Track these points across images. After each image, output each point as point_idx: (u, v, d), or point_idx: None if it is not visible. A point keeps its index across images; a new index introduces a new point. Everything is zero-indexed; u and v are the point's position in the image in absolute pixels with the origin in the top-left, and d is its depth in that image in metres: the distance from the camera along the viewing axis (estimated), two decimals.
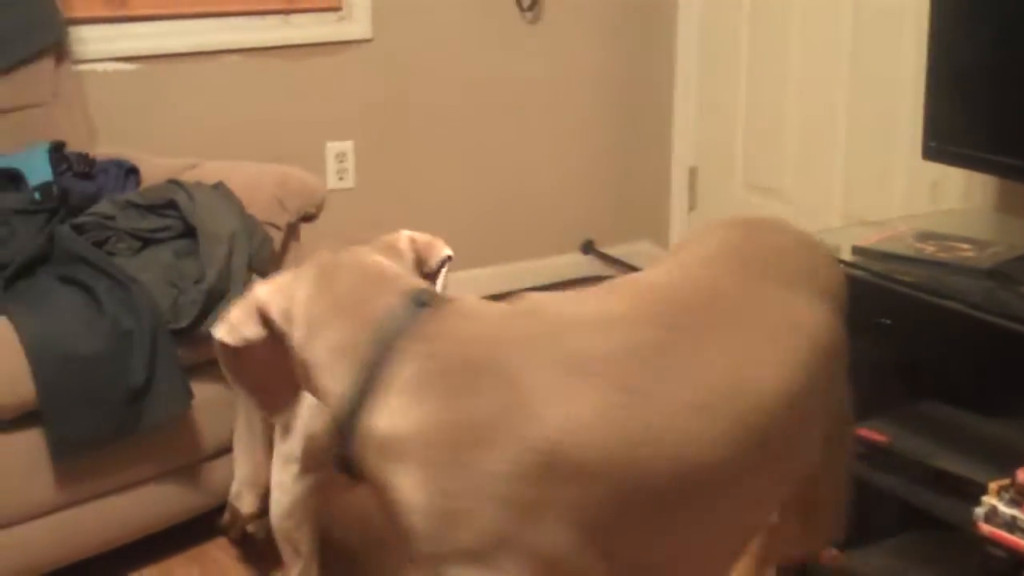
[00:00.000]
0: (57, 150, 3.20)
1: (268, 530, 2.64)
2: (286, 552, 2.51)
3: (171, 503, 2.83)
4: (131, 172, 3.22)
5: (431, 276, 2.18)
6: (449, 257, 2.22)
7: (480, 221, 4.43)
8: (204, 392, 2.77)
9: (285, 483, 2.46)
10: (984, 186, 3.13)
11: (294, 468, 2.44)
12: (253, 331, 1.80)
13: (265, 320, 1.79)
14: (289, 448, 2.43)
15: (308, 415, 2.40)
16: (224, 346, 1.84)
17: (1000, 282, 2.40)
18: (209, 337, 2.69)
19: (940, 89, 2.85)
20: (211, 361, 2.79)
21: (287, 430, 2.43)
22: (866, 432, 2.58)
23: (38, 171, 3.11)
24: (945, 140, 2.84)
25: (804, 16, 4.04)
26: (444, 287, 2.18)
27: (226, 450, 2.89)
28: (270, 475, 2.52)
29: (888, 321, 2.47)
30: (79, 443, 2.58)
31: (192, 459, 2.84)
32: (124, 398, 2.60)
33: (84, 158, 3.18)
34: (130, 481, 2.74)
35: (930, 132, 2.87)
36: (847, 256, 2.61)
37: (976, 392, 2.55)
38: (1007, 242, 2.62)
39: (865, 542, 2.80)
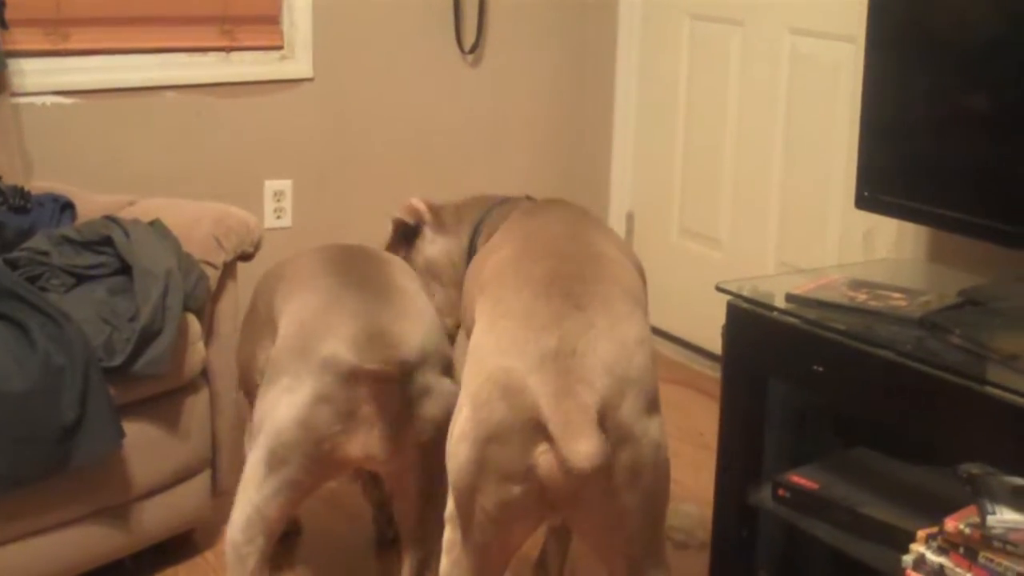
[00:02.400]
0: None
1: None
2: (234, 568, 2.47)
3: (101, 543, 2.80)
4: (67, 207, 3.19)
5: None
6: None
7: None
8: (135, 431, 2.75)
9: (251, 486, 2.43)
10: (916, 236, 3.17)
11: (260, 470, 2.41)
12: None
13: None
14: (257, 450, 2.42)
15: (272, 410, 2.40)
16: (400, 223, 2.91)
17: (930, 331, 2.43)
18: (142, 376, 2.70)
19: (873, 140, 2.89)
20: (143, 399, 2.79)
21: (256, 431, 2.44)
22: (796, 478, 2.60)
23: None
24: (878, 190, 2.88)
25: (741, 66, 4.09)
26: None
27: (157, 490, 2.87)
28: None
29: (820, 368, 2.49)
30: (7, 481, 2.54)
31: (122, 499, 2.80)
32: (54, 436, 2.57)
33: (19, 192, 3.15)
34: (58, 521, 2.70)
35: (863, 182, 2.90)
36: (781, 303, 2.64)
37: (906, 440, 2.58)
38: (938, 291, 2.65)
39: None
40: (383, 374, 2.31)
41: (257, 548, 2.44)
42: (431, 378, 2.39)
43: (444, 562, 2.08)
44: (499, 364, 1.95)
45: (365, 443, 2.36)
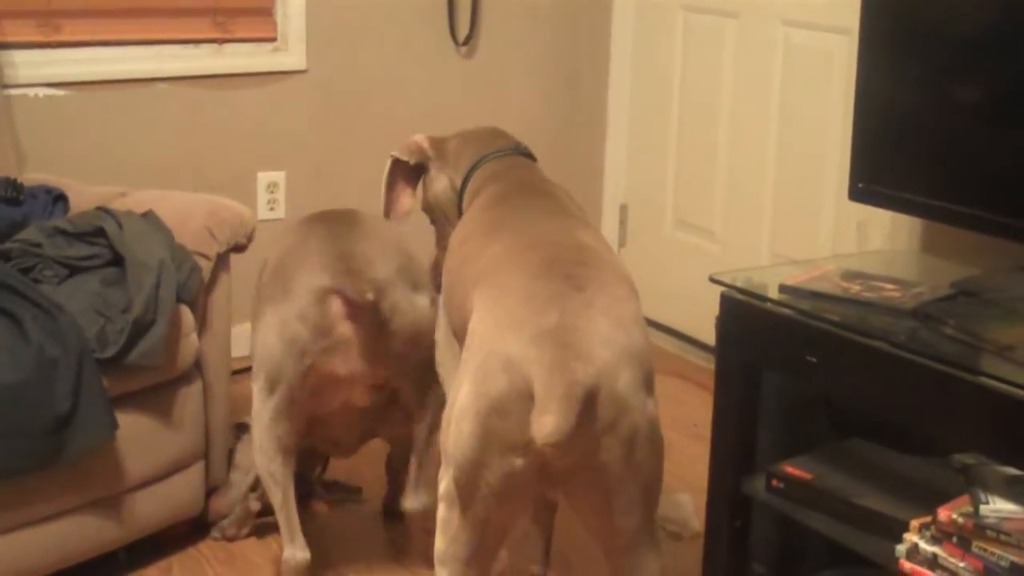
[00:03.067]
0: None
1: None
2: (268, 485, 2.76)
3: (94, 535, 2.79)
4: (59, 199, 3.19)
5: None
6: None
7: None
8: (128, 423, 2.75)
9: (258, 413, 2.71)
10: (909, 228, 3.17)
11: (261, 397, 2.69)
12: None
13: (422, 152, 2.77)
14: (256, 381, 2.70)
15: (262, 339, 2.67)
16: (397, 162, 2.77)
17: (923, 322, 2.43)
18: (135, 367, 2.70)
19: (867, 131, 2.89)
20: (137, 391, 2.79)
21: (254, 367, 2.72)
22: (790, 468, 2.61)
23: None
24: (872, 182, 2.88)
25: (735, 58, 4.09)
26: None
27: (150, 482, 2.87)
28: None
29: (814, 359, 2.49)
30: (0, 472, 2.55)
31: (115, 490, 2.80)
32: (47, 427, 2.57)
33: (12, 184, 3.14)
34: (51, 512, 2.70)
35: (857, 174, 2.90)
36: (774, 294, 2.64)
37: (899, 430, 2.58)
38: (931, 283, 2.66)
39: None
40: (354, 299, 2.57)
41: (280, 464, 2.73)
42: (400, 294, 2.67)
43: (439, 541, 2.09)
44: (500, 340, 1.98)
45: (346, 359, 2.62)
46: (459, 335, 2.32)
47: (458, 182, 2.72)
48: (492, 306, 2.07)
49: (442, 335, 2.59)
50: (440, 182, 2.77)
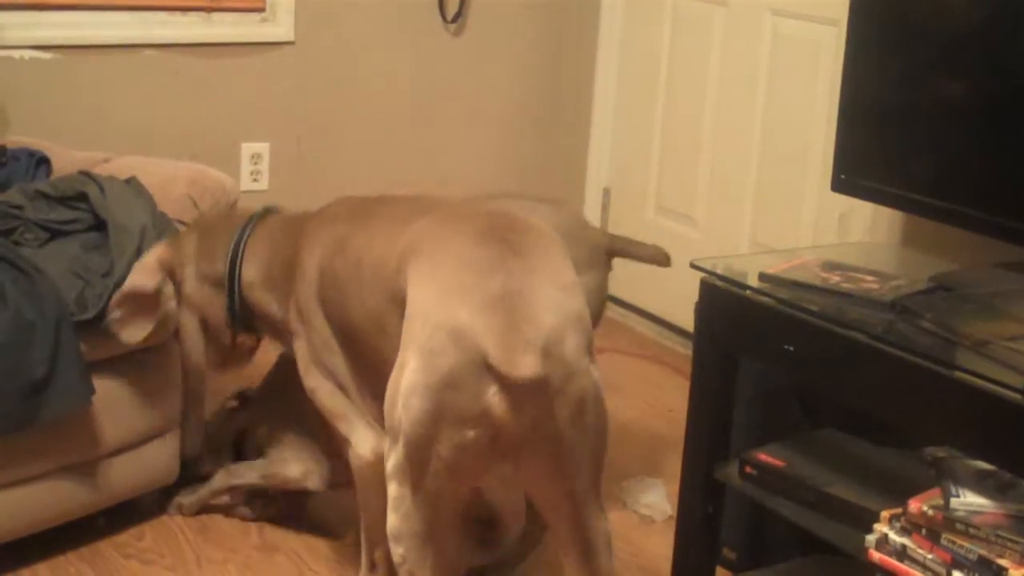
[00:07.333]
0: None
1: None
2: None
3: (67, 500, 2.79)
4: (42, 162, 3.17)
5: None
6: None
7: None
8: (105, 387, 2.74)
9: None
10: (890, 220, 3.19)
11: None
12: None
13: None
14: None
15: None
16: None
17: (901, 315, 2.44)
18: (113, 332, 2.69)
19: (851, 123, 2.90)
20: (114, 357, 2.78)
21: None
22: (763, 456, 2.62)
23: None
24: (854, 173, 2.89)
25: (722, 45, 4.09)
26: None
27: (125, 448, 2.87)
28: None
29: (791, 348, 2.50)
30: None
31: (91, 455, 2.80)
32: (23, 390, 2.56)
33: None
34: (26, 476, 2.70)
35: (840, 165, 2.91)
36: (754, 282, 2.65)
37: (873, 422, 2.60)
38: (909, 276, 2.67)
39: (758, 566, 2.84)
40: None
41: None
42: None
43: (392, 518, 2.10)
44: (446, 310, 2.00)
45: None
46: (361, 325, 2.33)
47: (219, 267, 2.71)
48: (433, 273, 2.08)
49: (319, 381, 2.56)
50: (190, 281, 2.77)
